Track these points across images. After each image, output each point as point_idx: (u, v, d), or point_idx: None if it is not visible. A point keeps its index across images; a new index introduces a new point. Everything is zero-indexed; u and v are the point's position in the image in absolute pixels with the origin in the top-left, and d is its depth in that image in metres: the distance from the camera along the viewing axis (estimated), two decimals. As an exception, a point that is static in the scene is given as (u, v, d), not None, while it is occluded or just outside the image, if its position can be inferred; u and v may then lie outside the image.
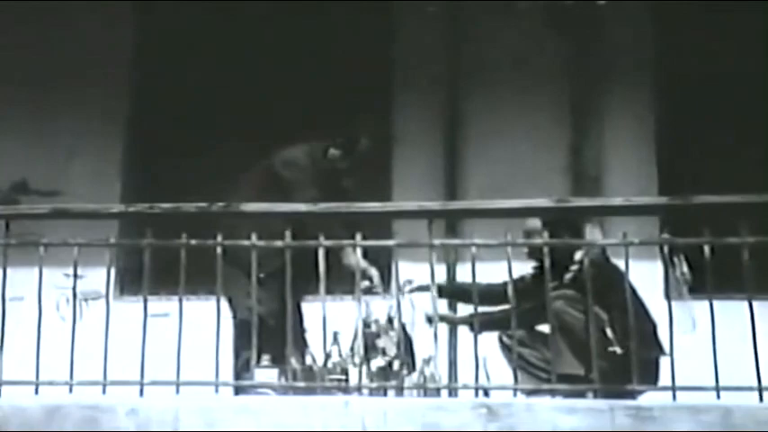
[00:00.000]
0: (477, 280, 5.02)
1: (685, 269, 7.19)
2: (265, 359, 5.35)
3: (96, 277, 5.30)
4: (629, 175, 7.78)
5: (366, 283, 5.94)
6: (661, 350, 5.48)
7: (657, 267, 6.95)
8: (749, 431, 4.39)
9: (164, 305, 5.47)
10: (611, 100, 7.96)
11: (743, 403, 4.51)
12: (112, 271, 5.29)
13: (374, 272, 6.09)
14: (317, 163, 6.36)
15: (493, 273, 5.16)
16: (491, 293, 5.45)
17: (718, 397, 4.63)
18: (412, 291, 5.95)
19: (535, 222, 5.66)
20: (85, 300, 5.31)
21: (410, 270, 5.58)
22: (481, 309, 5.30)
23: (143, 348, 4.91)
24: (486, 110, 7.93)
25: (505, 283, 5.07)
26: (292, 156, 6.38)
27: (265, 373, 5.31)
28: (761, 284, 4.81)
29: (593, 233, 6.05)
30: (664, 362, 5.34)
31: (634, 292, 5.13)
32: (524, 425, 4.45)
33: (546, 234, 5.10)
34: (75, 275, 5.05)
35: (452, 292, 6.39)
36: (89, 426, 4.53)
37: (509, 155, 7.86)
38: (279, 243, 5.05)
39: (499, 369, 5.62)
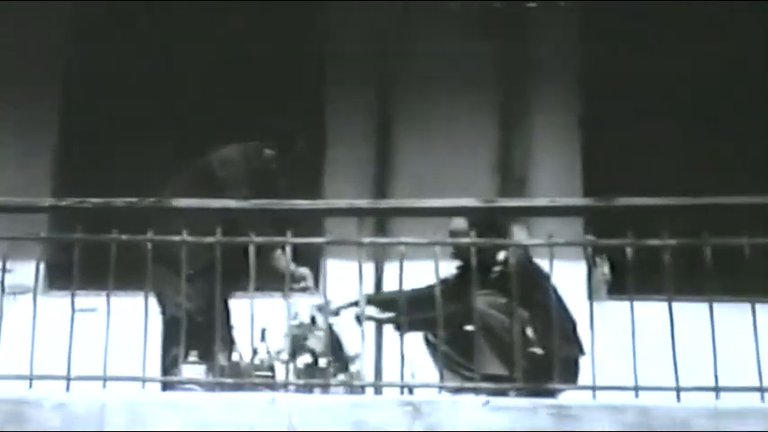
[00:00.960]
0: (404, 283, 5.04)
1: (606, 270, 7.30)
2: (193, 355, 5.35)
3: (25, 271, 5.26)
4: (554, 176, 7.84)
5: (301, 284, 5.98)
6: (580, 349, 5.56)
7: (581, 268, 7.05)
8: (666, 431, 4.50)
9: (92, 300, 5.43)
10: (538, 101, 8.00)
11: (660, 403, 4.62)
12: (41, 265, 5.27)
13: (305, 271, 6.12)
14: (252, 162, 6.37)
15: (420, 272, 5.20)
16: (418, 298, 5.42)
17: (637, 396, 4.73)
18: (340, 309, 5.94)
19: (460, 222, 5.72)
20: (13, 294, 5.27)
21: (339, 268, 5.60)
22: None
23: (70, 343, 4.91)
24: (416, 110, 7.94)
25: (430, 287, 5.10)
26: (227, 155, 6.39)
27: (192, 370, 5.31)
28: (681, 286, 4.90)
29: (519, 234, 6.13)
30: (584, 361, 5.43)
31: (555, 291, 5.21)
32: (449, 423, 4.52)
33: (473, 234, 5.17)
34: (4, 269, 5.03)
35: (379, 301, 6.31)
36: (15, 420, 4.53)
37: (439, 155, 7.87)
38: (209, 239, 5.06)
39: (425, 367, 5.69)
